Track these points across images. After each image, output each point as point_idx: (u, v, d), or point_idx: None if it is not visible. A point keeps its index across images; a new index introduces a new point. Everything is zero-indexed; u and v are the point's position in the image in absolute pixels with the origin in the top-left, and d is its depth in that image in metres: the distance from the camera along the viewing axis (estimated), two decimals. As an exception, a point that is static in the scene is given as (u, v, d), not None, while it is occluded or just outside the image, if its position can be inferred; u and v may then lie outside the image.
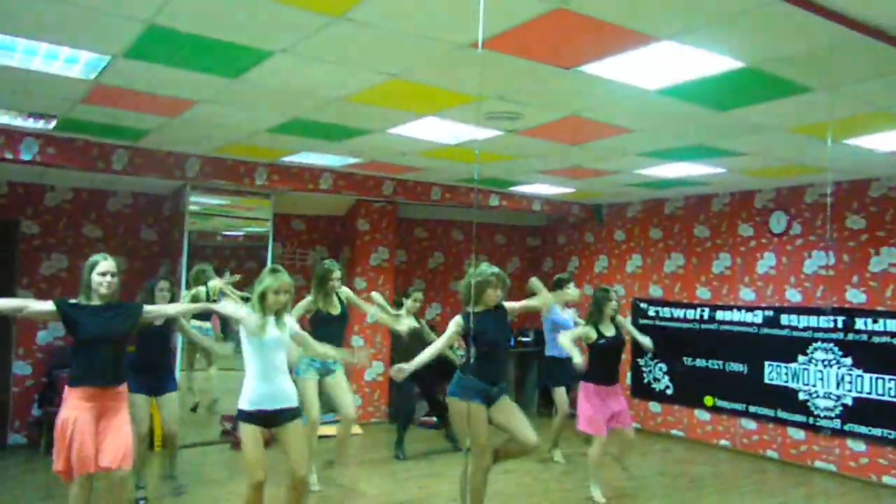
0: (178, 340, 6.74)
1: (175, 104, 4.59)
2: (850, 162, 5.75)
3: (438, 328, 6.77)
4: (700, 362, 7.76)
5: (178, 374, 5.98)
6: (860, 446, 6.37)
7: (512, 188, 8.06)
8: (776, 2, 2.75)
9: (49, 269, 7.04)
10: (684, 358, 7.91)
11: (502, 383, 4.62)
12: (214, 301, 7.06)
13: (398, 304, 6.95)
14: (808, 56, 3.37)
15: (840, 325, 6.51)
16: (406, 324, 6.08)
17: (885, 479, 6.19)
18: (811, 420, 6.70)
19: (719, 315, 7.60)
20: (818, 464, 6.67)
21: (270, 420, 4.03)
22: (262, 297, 4.02)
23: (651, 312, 8.32)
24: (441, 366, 6.85)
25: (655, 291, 8.40)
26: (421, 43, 3.36)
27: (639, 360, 8.36)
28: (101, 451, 3.83)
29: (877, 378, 6.25)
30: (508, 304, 4.75)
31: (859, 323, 6.39)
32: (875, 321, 6.29)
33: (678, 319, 8.02)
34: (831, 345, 6.58)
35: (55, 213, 7.21)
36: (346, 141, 5.63)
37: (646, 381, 8.27)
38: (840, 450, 6.52)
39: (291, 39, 3.36)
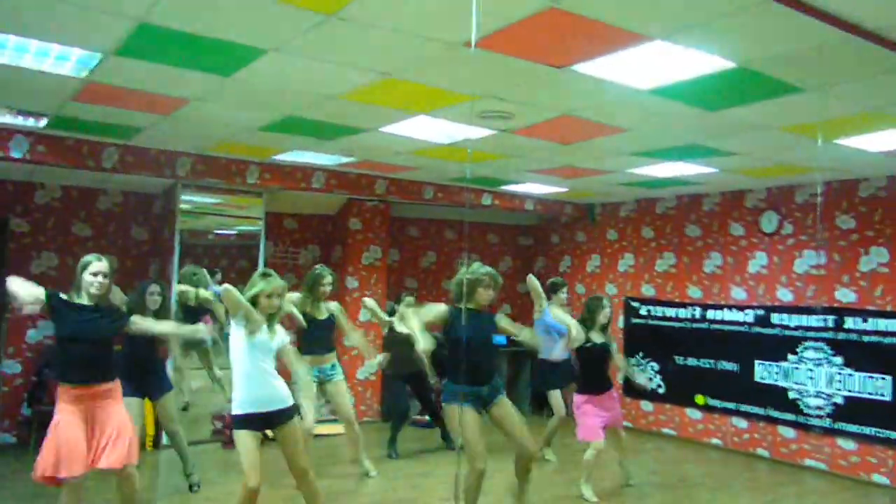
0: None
1: (166, 102, 4.57)
2: (840, 162, 5.79)
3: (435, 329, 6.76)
4: (691, 361, 7.79)
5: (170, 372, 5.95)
6: (850, 445, 6.41)
7: (504, 187, 8.06)
8: (767, 2, 2.76)
9: (39, 267, 6.99)
10: (676, 357, 7.94)
11: (494, 382, 4.56)
12: (200, 305, 7.03)
13: (391, 312, 6.93)
14: (799, 56, 3.38)
15: (830, 324, 6.55)
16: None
17: (875, 478, 6.23)
18: (802, 419, 6.74)
19: (710, 314, 7.63)
20: (809, 462, 6.71)
21: (266, 422, 4.02)
22: (255, 301, 4.00)
23: (643, 311, 8.35)
24: (433, 365, 6.86)
25: (647, 290, 8.42)
26: (414, 42, 3.36)
27: (630, 359, 8.38)
28: (101, 451, 3.82)
29: (867, 377, 6.28)
30: (501, 321, 4.70)
31: (849, 322, 6.43)
32: (865, 320, 6.33)
33: (670, 318, 8.05)
34: (822, 344, 6.62)
35: (45, 211, 7.17)
36: (338, 139, 5.62)
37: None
38: (830, 448, 6.55)
39: (284, 37, 3.35)
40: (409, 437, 7.25)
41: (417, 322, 4.60)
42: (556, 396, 6.62)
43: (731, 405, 7.36)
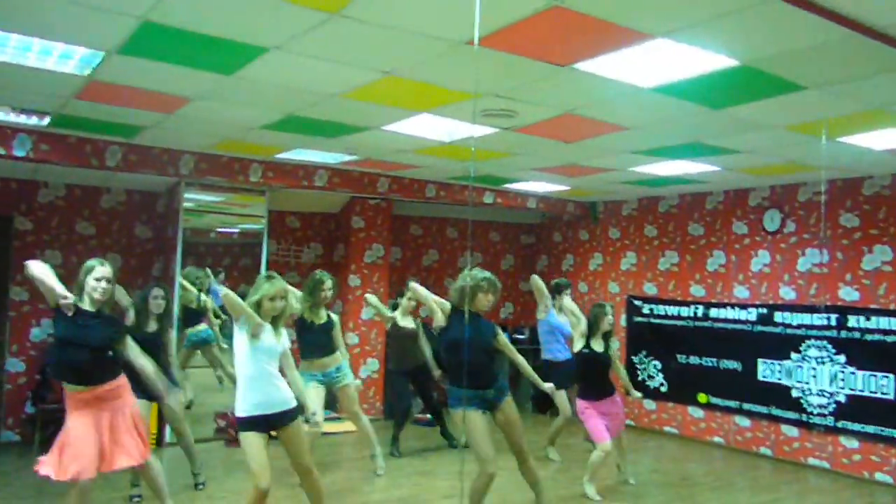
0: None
1: (170, 101, 4.58)
2: (843, 160, 5.77)
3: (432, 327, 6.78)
4: (694, 360, 7.78)
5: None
6: (853, 443, 6.41)
7: (507, 185, 8.06)
8: (770, 0, 2.76)
9: (42, 265, 7.00)
10: (678, 355, 7.93)
11: (498, 385, 4.55)
12: (202, 308, 7.05)
13: (393, 307, 6.95)
14: (803, 54, 3.38)
15: (833, 322, 6.54)
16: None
17: (878, 476, 6.22)
18: (804, 417, 6.73)
19: (713, 313, 7.63)
20: (811, 461, 6.70)
21: (270, 424, 4.03)
22: (259, 304, 4.02)
23: (645, 310, 8.34)
24: (435, 359, 6.86)
25: (650, 289, 8.41)
26: (416, 40, 3.36)
27: (633, 357, 8.38)
28: (115, 452, 3.86)
29: (869, 375, 6.28)
30: (502, 339, 4.69)
31: (852, 320, 6.42)
32: (868, 319, 6.32)
33: (672, 317, 8.04)
34: (825, 342, 6.61)
35: (48, 209, 7.18)
36: (341, 138, 5.62)
37: (640, 378, 8.28)
38: (833, 447, 6.55)
39: (287, 36, 3.35)
40: (412, 435, 7.26)
41: (430, 295, 4.72)
42: (561, 396, 6.61)
43: (733, 404, 7.36)
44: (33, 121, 5.21)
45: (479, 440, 4.38)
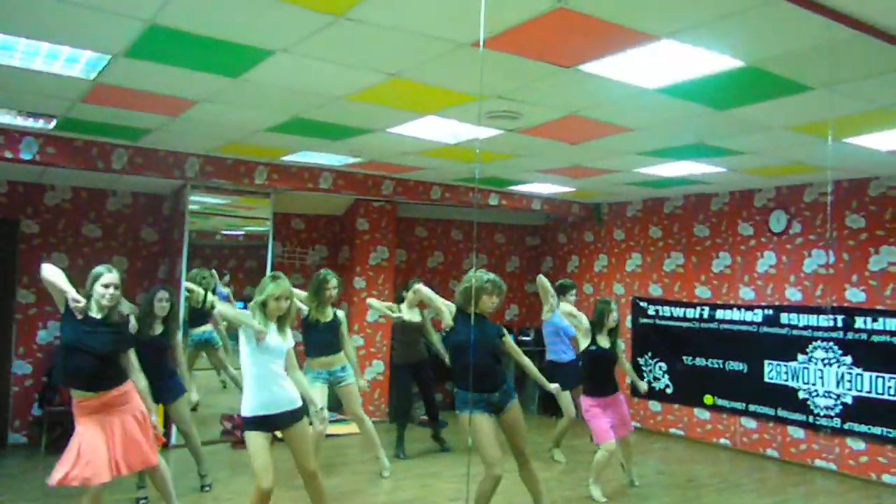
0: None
1: (175, 103, 4.59)
2: (849, 161, 5.76)
3: (437, 328, 6.78)
4: (700, 361, 7.76)
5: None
6: (860, 445, 6.38)
7: (511, 187, 8.06)
8: (775, 0, 2.75)
9: (49, 268, 7.02)
10: (684, 357, 7.91)
11: (504, 388, 4.53)
12: (208, 308, 7.06)
13: (399, 300, 6.97)
14: (808, 55, 3.37)
15: (840, 323, 6.52)
16: None
17: (885, 478, 6.19)
18: (811, 419, 6.70)
19: (719, 314, 7.61)
20: (818, 462, 6.68)
21: (274, 423, 4.04)
22: (264, 304, 4.03)
23: (651, 311, 8.33)
24: (440, 366, 6.86)
25: (655, 290, 8.40)
26: (422, 42, 3.36)
27: (639, 359, 8.37)
28: (126, 456, 3.89)
29: (876, 377, 6.25)
30: (507, 341, 4.69)
31: (859, 322, 6.40)
32: (875, 320, 6.29)
33: (678, 318, 8.02)
34: (831, 343, 6.58)
35: (55, 212, 7.21)
36: (346, 140, 5.63)
37: (645, 380, 8.25)
38: (840, 448, 6.52)
39: (292, 39, 3.36)
40: (418, 437, 7.25)
41: (436, 297, 4.74)
42: (565, 397, 6.60)
43: (739, 405, 7.33)
44: (40, 124, 5.23)
45: (486, 443, 4.38)
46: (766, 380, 7.09)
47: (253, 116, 4.95)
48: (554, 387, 4.93)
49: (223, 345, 6.77)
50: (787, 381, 6.92)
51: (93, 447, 3.77)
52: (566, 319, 6.40)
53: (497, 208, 8.49)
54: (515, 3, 2.90)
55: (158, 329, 5.16)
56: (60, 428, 6.37)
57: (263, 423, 4.01)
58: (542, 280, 6.59)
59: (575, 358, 6.68)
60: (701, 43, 3.28)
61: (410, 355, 6.81)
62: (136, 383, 4.22)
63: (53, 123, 5.21)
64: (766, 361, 7.11)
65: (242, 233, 8.09)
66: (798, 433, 6.86)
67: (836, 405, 6.52)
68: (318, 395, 5.41)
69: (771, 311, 7.12)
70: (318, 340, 5.69)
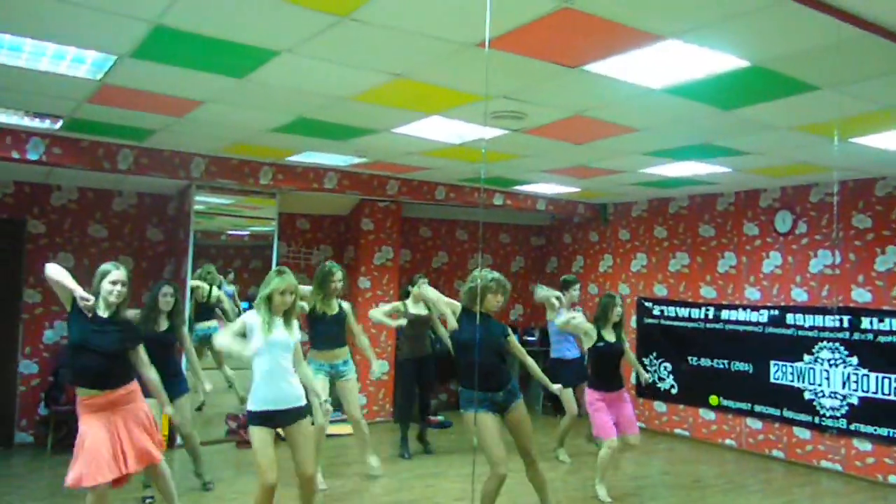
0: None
1: (181, 104, 4.61)
2: (856, 161, 5.74)
3: (444, 323, 6.77)
4: (705, 362, 7.75)
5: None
6: (866, 446, 6.36)
7: (516, 187, 8.05)
8: (781, 0, 2.74)
9: (55, 268, 7.05)
10: (689, 357, 7.90)
11: (508, 387, 4.53)
12: (216, 305, 7.09)
13: (406, 295, 6.97)
14: (814, 54, 3.36)
15: (846, 324, 6.50)
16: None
17: (892, 479, 6.17)
18: (817, 420, 6.68)
19: (724, 314, 7.59)
20: (824, 463, 6.66)
21: (279, 420, 4.05)
22: (269, 298, 4.05)
23: (656, 312, 8.31)
24: (443, 367, 6.87)
25: (660, 291, 8.39)
26: (427, 42, 3.36)
27: (644, 359, 8.35)
28: (128, 457, 3.89)
29: (883, 377, 6.23)
30: (512, 340, 4.67)
31: (865, 322, 6.37)
32: (881, 320, 6.27)
33: (683, 319, 8.01)
34: (837, 344, 6.56)
35: (61, 212, 7.23)
36: (351, 140, 5.64)
37: (651, 380, 8.25)
38: (846, 449, 6.50)
39: (297, 39, 3.37)
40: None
41: (440, 298, 4.74)
42: (568, 395, 6.61)
43: (745, 406, 7.32)
44: (46, 124, 5.25)
45: (490, 442, 4.38)
46: (772, 380, 7.07)
47: (258, 117, 4.96)
48: (556, 387, 4.92)
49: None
50: (792, 381, 6.90)
51: (97, 446, 3.78)
52: (574, 331, 6.27)
53: (502, 208, 8.49)
54: (520, 4, 2.90)
55: (164, 325, 5.17)
56: (67, 427, 6.39)
57: (269, 418, 4.02)
58: (539, 295, 6.51)
59: (580, 356, 6.68)
60: (706, 43, 3.27)
61: (416, 350, 6.80)
62: (148, 376, 4.26)
63: (60, 124, 5.23)
64: (772, 362, 7.09)
65: (247, 233, 8.11)
66: (804, 434, 6.84)
67: (842, 406, 6.50)
68: (321, 387, 5.41)
69: (777, 312, 7.10)
70: (323, 333, 5.67)
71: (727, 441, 7.53)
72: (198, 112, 4.79)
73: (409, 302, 6.79)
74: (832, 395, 6.58)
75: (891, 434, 6.15)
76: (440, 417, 8.01)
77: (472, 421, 4.39)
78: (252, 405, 4.03)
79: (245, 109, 4.73)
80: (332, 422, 6.27)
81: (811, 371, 6.76)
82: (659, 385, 8.20)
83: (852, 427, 6.41)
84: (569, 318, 5.82)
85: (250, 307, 4.35)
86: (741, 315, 7.43)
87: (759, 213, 7.44)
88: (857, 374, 6.40)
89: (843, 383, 6.49)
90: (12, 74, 3.98)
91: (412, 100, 4.39)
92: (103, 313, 3.95)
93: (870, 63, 3.47)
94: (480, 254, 9.65)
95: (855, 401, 6.41)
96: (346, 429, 7.30)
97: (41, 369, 6.99)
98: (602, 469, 5.50)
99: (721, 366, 7.58)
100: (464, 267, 9.48)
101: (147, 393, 4.40)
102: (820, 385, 6.68)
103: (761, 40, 3.25)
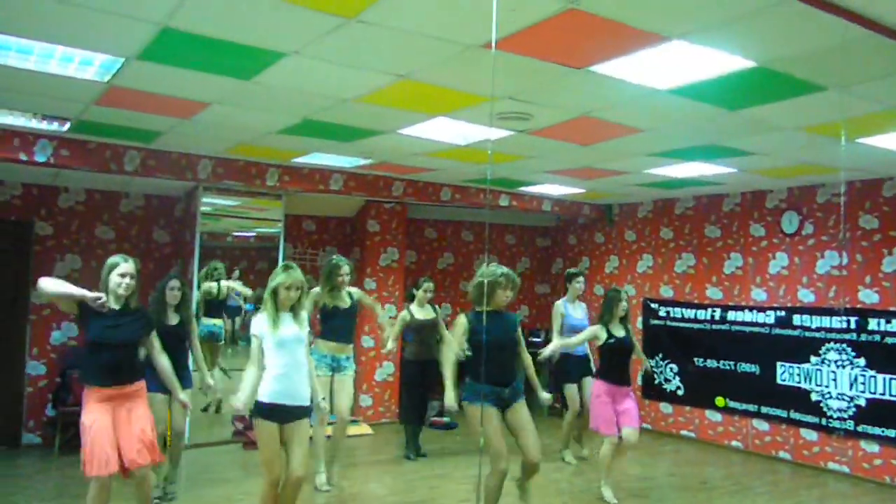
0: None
1: (188, 106, 4.62)
2: (862, 161, 5.72)
3: (449, 328, 6.77)
4: (711, 363, 7.73)
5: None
6: (874, 447, 6.33)
7: (522, 188, 8.06)
8: (787, 1, 2.74)
9: (63, 269, 7.08)
10: (695, 358, 7.88)
11: (514, 385, 4.55)
12: (224, 300, 7.12)
13: (410, 298, 6.97)
14: (820, 55, 3.35)
15: (853, 325, 6.47)
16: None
17: (899, 481, 6.15)
18: (824, 421, 6.66)
19: (731, 315, 7.57)
20: (831, 465, 6.63)
21: (284, 415, 4.05)
22: (275, 292, 4.07)
23: (662, 313, 8.30)
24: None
25: (666, 292, 8.37)
26: (433, 44, 3.37)
27: (650, 360, 8.33)
28: (129, 451, 3.87)
29: (890, 379, 6.20)
30: (519, 334, 4.70)
31: (872, 323, 6.35)
32: (888, 321, 6.25)
33: (689, 320, 7.99)
34: (844, 345, 6.54)
35: (69, 214, 7.27)
36: (357, 142, 5.65)
37: (657, 381, 8.24)
38: (853, 451, 6.47)
39: (304, 41, 3.38)
40: (427, 438, 7.25)
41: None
42: (570, 390, 6.60)
43: (751, 407, 7.29)
44: (54, 126, 5.28)
45: (493, 435, 4.39)
46: (779, 382, 7.04)
47: (264, 118, 4.97)
48: (546, 397, 4.85)
49: (224, 342, 6.82)
50: (799, 382, 6.88)
51: (98, 437, 3.79)
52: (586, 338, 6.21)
53: (507, 209, 8.49)
54: (526, 5, 2.90)
55: (174, 319, 5.15)
56: (74, 428, 6.38)
57: (276, 413, 4.01)
58: (546, 354, 6.10)
59: (586, 353, 6.68)
60: (712, 44, 3.27)
61: (422, 352, 6.80)
62: (161, 363, 4.29)
63: (67, 126, 5.26)
64: (779, 363, 7.06)
65: (254, 234, 8.14)
66: (811, 435, 6.81)
67: (849, 407, 6.48)
68: (321, 387, 5.42)
69: (783, 313, 7.08)
70: (334, 325, 5.66)
71: (734, 442, 7.50)
72: (204, 114, 4.81)
73: (413, 307, 6.77)
74: (839, 396, 6.56)
75: (898, 436, 6.13)
76: (446, 419, 8.01)
77: (475, 412, 4.39)
78: (263, 396, 4.02)
79: (252, 111, 4.75)
80: (330, 423, 6.24)
81: (818, 372, 6.73)
82: (665, 386, 8.18)
83: (860, 429, 6.38)
84: (571, 342, 5.86)
85: (255, 309, 4.36)
86: (747, 316, 7.41)
87: (766, 213, 7.43)
88: (864, 376, 6.38)
89: (851, 385, 6.46)
90: (21, 77, 4.00)
91: (418, 101, 4.40)
92: (114, 306, 3.97)
93: (876, 63, 3.46)
94: (486, 255, 9.65)
95: (862, 402, 6.38)
96: (352, 430, 7.31)
97: (48, 370, 7.02)
98: (605, 467, 5.48)
99: (727, 367, 7.56)
100: (469, 268, 9.47)
101: (157, 385, 4.41)
102: (827, 386, 6.65)
103: (767, 41, 3.25)
